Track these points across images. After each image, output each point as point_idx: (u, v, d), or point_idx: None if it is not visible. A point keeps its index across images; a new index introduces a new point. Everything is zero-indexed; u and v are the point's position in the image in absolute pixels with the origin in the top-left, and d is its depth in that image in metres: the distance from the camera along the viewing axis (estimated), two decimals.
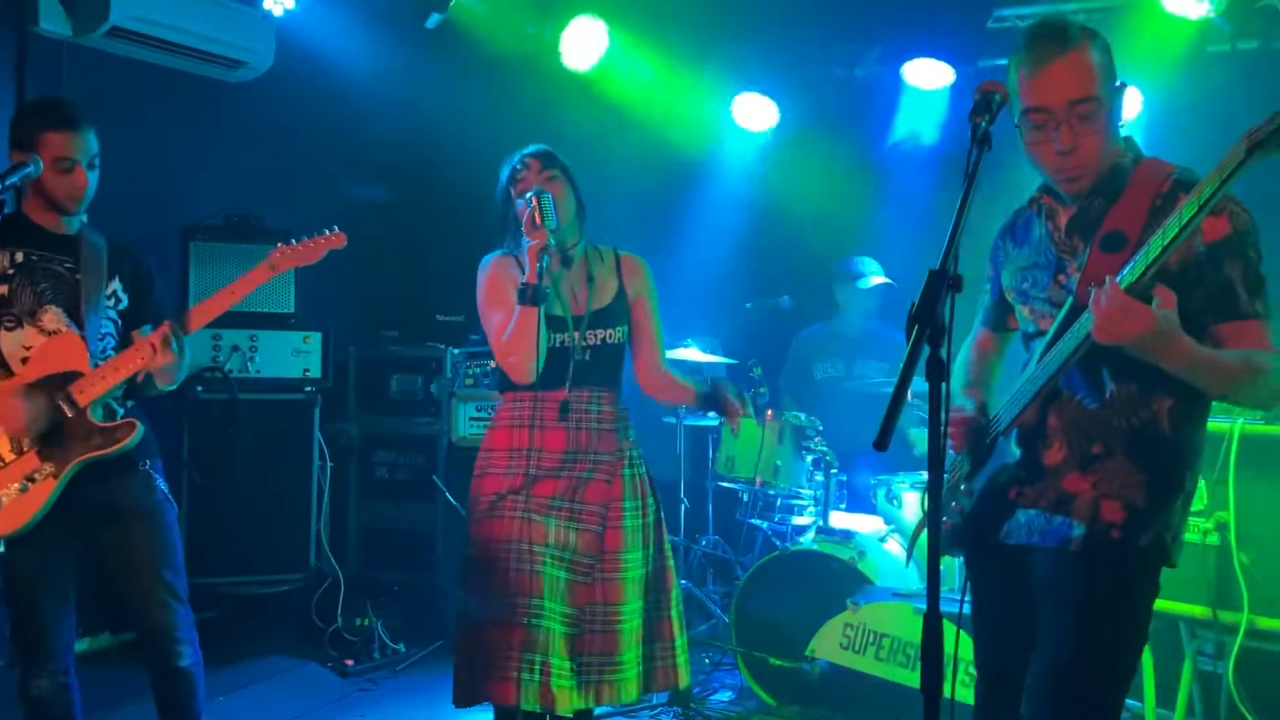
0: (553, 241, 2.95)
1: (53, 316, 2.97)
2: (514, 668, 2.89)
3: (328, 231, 3.16)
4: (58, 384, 2.92)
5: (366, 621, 4.99)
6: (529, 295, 2.94)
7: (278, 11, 4.95)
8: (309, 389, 5.09)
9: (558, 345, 3.07)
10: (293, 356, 5.04)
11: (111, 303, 3.07)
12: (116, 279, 3.10)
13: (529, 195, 2.99)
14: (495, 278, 3.14)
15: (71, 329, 2.97)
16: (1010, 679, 2.30)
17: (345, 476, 5.45)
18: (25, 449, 2.91)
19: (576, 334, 3.09)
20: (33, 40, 4.40)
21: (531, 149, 3.17)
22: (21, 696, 2.97)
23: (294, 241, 3.13)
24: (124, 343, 3.06)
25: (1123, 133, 2.26)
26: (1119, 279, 1.98)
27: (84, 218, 3.13)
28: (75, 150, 2.95)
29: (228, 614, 5.06)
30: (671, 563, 3.21)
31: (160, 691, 3.08)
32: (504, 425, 3.12)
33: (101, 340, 3.02)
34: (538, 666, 2.90)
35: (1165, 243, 1.93)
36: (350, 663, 4.79)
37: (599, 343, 3.13)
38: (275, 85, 5.18)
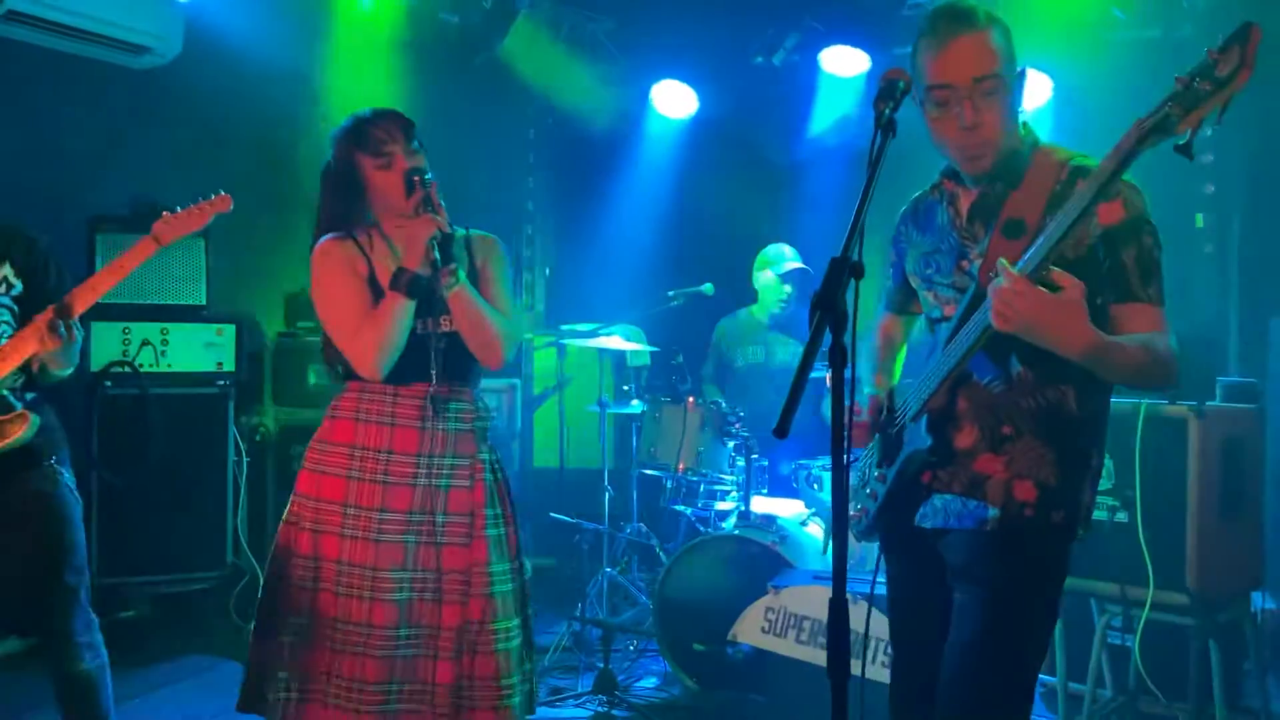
0: (446, 229, 2.65)
1: None
2: (371, 700, 2.60)
3: (213, 195, 3.03)
4: None
5: None
6: (405, 284, 2.63)
7: None
8: (222, 382, 4.99)
9: (416, 332, 2.72)
10: (205, 349, 4.94)
11: (2, 289, 2.96)
12: (7, 264, 2.98)
13: (416, 177, 2.67)
14: (339, 263, 2.74)
15: None
16: (926, 659, 2.33)
17: (262, 470, 5.35)
18: None
19: (430, 320, 2.73)
20: None
21: (386, 112, 2.77)
22: None
23: (178, 209, 3.02)
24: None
25: (1032, 119, 2.31)
26: (1019, 265, 2.01)
27: None
28: None
29: (144, 614, 4.97)
30: (527, 579, 2.90)
31: (62, 696, 2.97)
32: (347, 416, 2.76)
33: None
34: (394, 695, 2.63)
35: (1067, 226, 1.96)
36: None
37: (452, 329, 2.76)
38: (184, 72, 5.06)
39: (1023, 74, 2.23)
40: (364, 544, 2.68)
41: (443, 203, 2.68)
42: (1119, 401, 2.80)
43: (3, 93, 4.58)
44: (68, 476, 3.03)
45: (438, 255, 2.61)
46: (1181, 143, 1.83)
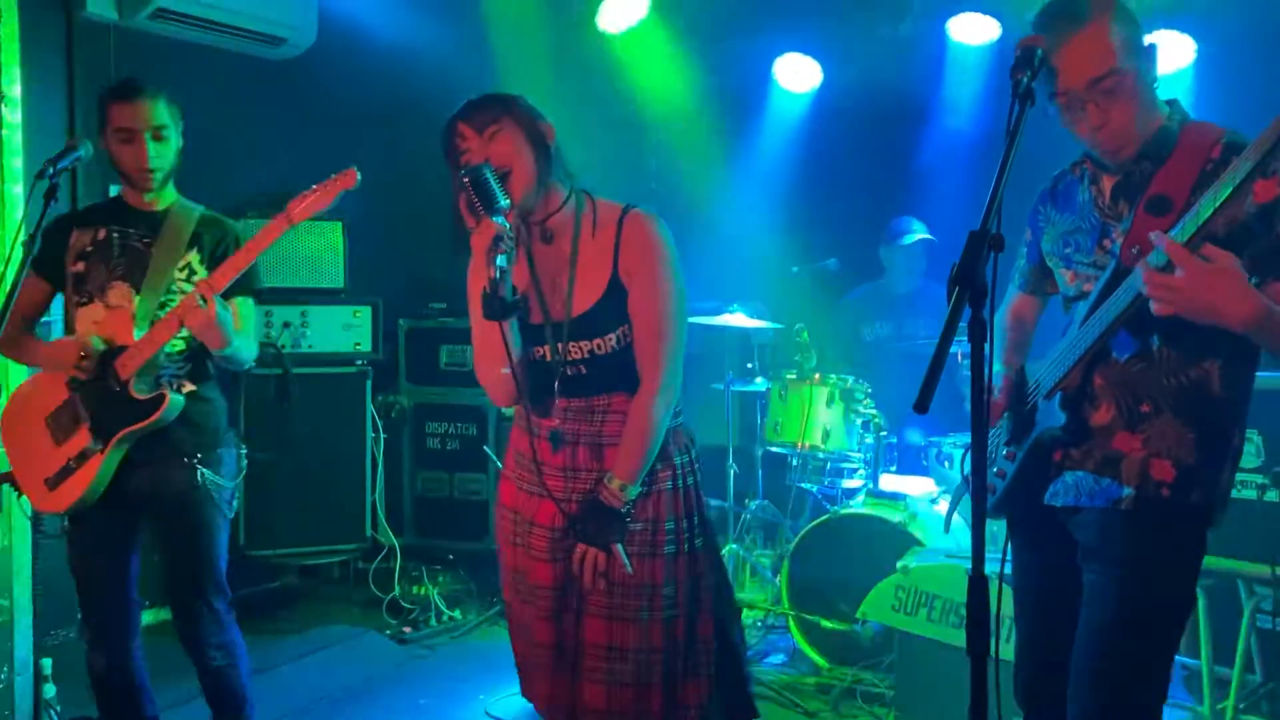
0: (508, 230, 2.23)
1: (119, 292, 2.96)
2: None
3: (335, 174, 2.88)
4: (106, 359, 2.88)
5: (423, 590, 5.09)
6: (488, 307, 2.25)
7: None
8: (360, 362, 5.17)
9: (537, 359, 2.46)
10: (343, 331, 5.12)
11: (184, 275, 3.00)
12: (194, 251, 3.02)
13: (460, 175, 2.26)
14: (470, 282, 2.48)
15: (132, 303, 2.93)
16: (1054, 639, 2.29)
17: (398, 447, 5.52)
18: (80, 426, 2.91)
19: (560, 345, 2.41)
20: (80, 24, 4.45)
21: (461, 108, 2.36)
22: (88, 669, 3.06)
23: (306, 190, 2.90)
24: None
25: (1171, 82, 2.23)
26: (1172, 234, 1.95)
27: (174, 193, 3.10)
28: (135, 121, 2.94)
29: (290, 584, 5.20)
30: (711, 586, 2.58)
31: (203, 683, 3.10)
32: (517, 422, 2.58)
33: (164, 311, 2.92)
34: None
35: (1218, 204, 1.89)
36: (408, 630, 4.88)
37: (587, 355, 2.42)
38: (318, 61, 5.20)
39: (1152, 50, 2.15)
40: (540, 563, 2.49)
41: (496, 189, 2.23)
42: (1268, 375, 2.69)
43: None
44: (211, 476, 3.02)
45: (499, 266, 2.22)
46: None
